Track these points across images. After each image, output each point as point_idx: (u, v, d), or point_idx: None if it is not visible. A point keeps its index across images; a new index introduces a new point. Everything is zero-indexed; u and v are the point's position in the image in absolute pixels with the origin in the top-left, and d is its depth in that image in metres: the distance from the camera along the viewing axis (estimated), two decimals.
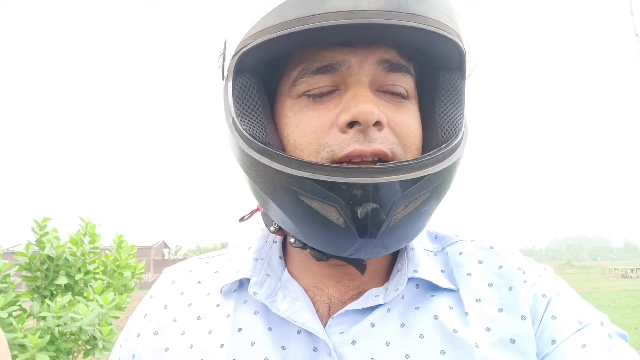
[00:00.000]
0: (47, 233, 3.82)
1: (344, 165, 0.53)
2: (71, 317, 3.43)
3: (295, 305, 0.60)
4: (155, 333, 0.64)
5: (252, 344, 0.59)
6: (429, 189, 0.54)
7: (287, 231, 0.62)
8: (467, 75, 0.62)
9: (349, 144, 0.54)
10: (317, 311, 0.61)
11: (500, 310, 0.59)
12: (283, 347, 0.58)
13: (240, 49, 0.56)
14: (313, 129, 0.56)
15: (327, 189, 0.51)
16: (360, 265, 0.60)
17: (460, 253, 0.66)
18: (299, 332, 0.59)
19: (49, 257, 3.76)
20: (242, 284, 0.65)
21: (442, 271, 0.65)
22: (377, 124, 0.54)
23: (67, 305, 3.53)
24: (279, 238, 0.69)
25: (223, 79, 0.64)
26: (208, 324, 0.62)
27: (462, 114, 0.60)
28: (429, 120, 0.60)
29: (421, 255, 0.64)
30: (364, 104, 0.53)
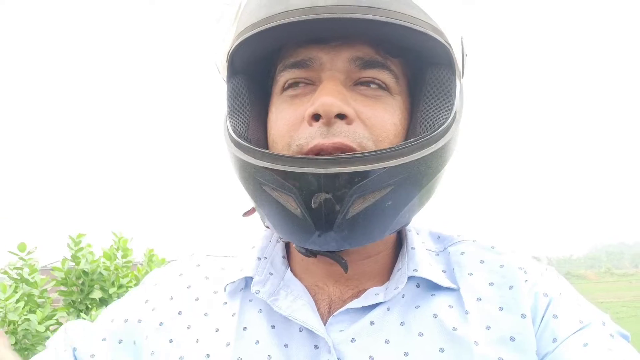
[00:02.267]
0: (82, 248, 3.92)
1: (301, 156, 0.54)
2: None
3: (297, 303, 0.61)
4: (161, 324, 0.65)
5: (257, 342, 0.60)
6: (390, 183, 0.53)
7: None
8: (460, 71, 0.62)
9: (314, 138, 0.55)
10: (318, 309, 0.61)
11: (501, 308, 0.59)
12: (286, 345, 0.59)
13: (228, 51, 0.60)
14: (286, 123, 0.58)
15: (282, 178, 0.53)
16: (341, 263, 0.60)
17: (462, 253, 0.66)
18: (300, 330, 0.60)
19: (84, 271, 3.86)
20: (248, 283, 0.66)
21: (444, 271, 0.65)
22: (343, 117, 0.54)
23: None
24: None
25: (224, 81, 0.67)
26: (214, 321, 0.64)
27: (448, 110, 0.59)
28: (413, 117, 0.61)
29: (422, 255, 0.64)
30: (325, 96, 0.54)
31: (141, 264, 4.28)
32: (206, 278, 0.70)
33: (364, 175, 0.52)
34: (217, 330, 0.62)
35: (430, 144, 0.56)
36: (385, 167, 0.53)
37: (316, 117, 0.55)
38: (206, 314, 0.65)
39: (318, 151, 0.55)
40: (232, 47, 0.59)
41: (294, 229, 0.56)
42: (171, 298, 0.68)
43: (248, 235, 0.75)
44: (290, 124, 0.58)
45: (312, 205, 0.52)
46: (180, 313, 0.66)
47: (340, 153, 0.54)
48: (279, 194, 0.54)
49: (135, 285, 4.07)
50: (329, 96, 0.54)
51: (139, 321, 0.66)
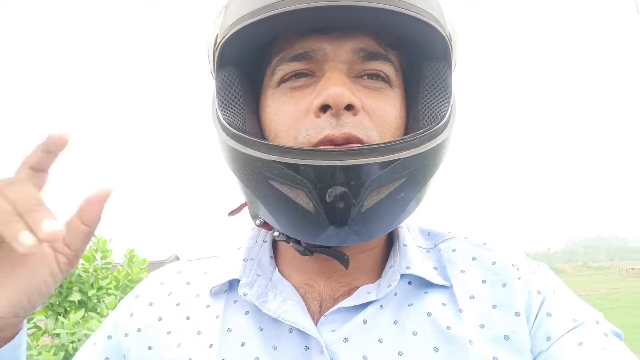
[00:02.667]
0: None
1: (312, 148, 0.53)
2: (85, 334, 3.43)
3: (286, 304, 0.59)
4: (139, 330, 0.63)
5: (242, 344, 0.58)
6: (403, 174, 0.53)
7: (268, 222, 0.62)
8: (453, 65, 0.62)
9: (323, 129, 0.54)
10: (308, 309, 0.60)
11: (494, 306, 0.58)
12: (274, 347, 0.57)
13: (220, 41, 0.57)
14: (290, 115, 0.56)
15: (294, 171, 0.51)
16: (343, 259, 0.59)
17: (454, 250, 0.65)
18: (290, 331, 0.58)
19: None
20: (232, 284, 0.64)
21: (435, 268, 0.64)
22: (351, 107, 0.54)
23: (80, 321, 3.53)
24: (269, 237, 0.69)
25: (211, 74, 0.65)
26: (197, 324, 0.62)
27: (447, 103, 0.59)
28: (412, 109, 0.60)
29: (414, 252, 0.63)
30: (334, 87, 0.53)
31: (121, 265, 4.22)
32: (187, 283, 0.68)
33: (380, 166, 0.51)
34: (199, 332, 0.61)
35: (437, 135, 0.56)
36: (399, 159, 0.52)
37: (324, 108, 0.54)
38: (188, 318, 0.63)
39: (328, 142, 0.54)
40: (227, 36, 0.56)
41: (305, 225, 0.54)
42: (150, 304, 0.66)
43: (233, 234, 0.74)
44: (295, 116, 0.56)
45: (327, 198, 0.51)
46: (160, 319, 0.64)
47: (350, 144, 0.54)
48: (288, 188, 0.52)
49: (115, 287, 4.03)
50: (338, 86, 0.53)
51: (126, 335, 0.64)
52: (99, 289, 3.89)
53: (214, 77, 0.61)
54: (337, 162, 0.50)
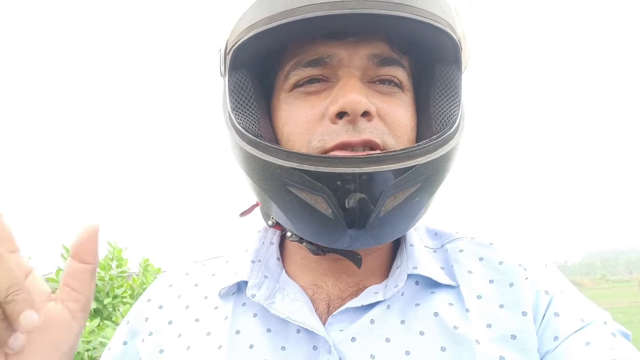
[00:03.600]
0: None
1: (331, 155, 0.53)
2: (100, 342, 3.46)
3: (294, 305, 0.60)
4: (150, 334, 0.64)
5: (251, 346, 0.58)
6: (419, 180, 0.53)
7: (281, 224, 0.63)
8: (463, 68, 0.62)
9: (339, 135, 0.54)
10: (316, 310, 0.60)
11: (501, 306, 0.58)
12: (283, 348, 0.58)
13: (234, 45, 0.58)
14: (304, 120, 0.57)
15: (314, 179, 0.52)
16: (356, 259, 0.60)
17: (461, 250, 0.65)
18: (298, 331, 0.59)
19: None
20: (240, 287, 0.64)
21: (442, 268, 0.64)
22: (366, 114, 0.54)
23: (96, 329, 3.56)
24: (275, 239, 0.69)
25: (221, 76, 0.65)
26: (206, 326, 0.62)
27: (457, 107, 0.60)
28: (424, 113, 0.61)
29: (421, 252, 0.64)
30: (351, 94, 0.54)
31: (136, 274, 4.25)
32: (196, 285, 0.69)
33: (399, 173, 0.52)
34: (208, 334, 0.61)
35: (450, 140, 0.57)
36: (416, 165, 0.53)
37: (340, 114, 0.54)
38: (197, 320, 0.63)
39: (344, 147, 0.54)
40: (242, 40, 0.56)
41: (323, 230, 0.55)
42: (160, 307, 0.67)
43: (243, 238, 0.75)
44: (309, 122, 0.57)
45: (346, 205, 0.51)
46: (170, 322, 0.64)
47: (367, 150, 0.54)
48: (307, 194, 0.53)
49: (130, 295, 4.06)
50: (355, 94, 0.54)
51: (143, 340, 0.65)
52: (114, 297, 3.92)
53: (226, 79, 0.61)
54: (357, 170, 0.51)
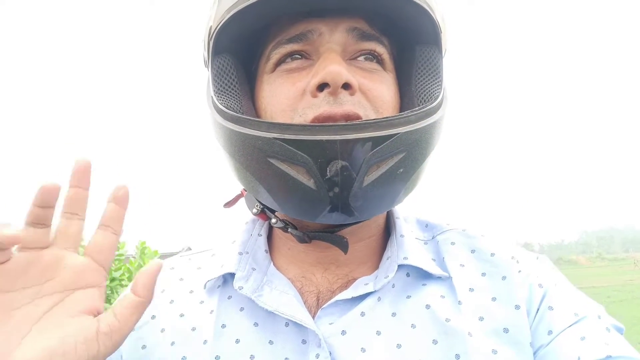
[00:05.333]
0: None
1: (312, 124, 0.53)
2: None
3: (283, 298, 0.59)
4: (133, 330, 0.63)
5: (237, 341, 0.57)
6: (401, 150, 0.53)
7: (264, 204, 0.62)
8: (443, 52, 0.62)
9: (319, 107, 0.54)
10: (305, 302, 0.60)
11: (494, 299, 0.58)
12: (270, 342, 0.57)
13: (215, 29, 0.57)
14: (286, 96, 0.56)
15: (295, 147, 0.51)
16: (342, 243, 0.59)
17: (452, 243, 0.65)
18: (286, 325, 0.57)
19: None
20: (226, 280, 0.63)
21: (433, 259, 0.63)
22: (348, 86, 0.54)
23: None
24: (264, 231, 0.68)
25: (205, 66, 0.65)
26: (191, 320, 0.61)
27: (439, 86, 0.60)
28: (406, 93, 0.61)
29: (411, 243, 0.63)
30: (331, 65, 0.53)
31: (134, 257, 4.27)
32: (181, 279, 0.67)
33: (380, 140, 0.51)
34: (193, 329, 0.60)
35: (432, 114, 0.57)
36: (398, 133, 0.52)
37: (321, 87, 0.54)
38: (182, 315, 0.62)
39: (325, 119, 0.54)
40: (223, 21, 0.56)
41: (305, 203, 0.54)
42: None
43: (232, 225, 0.73)
44: (292, 97, 0.56)
45: (328, 173, 0.51)
46: (153, 317, 0.63)
47: (350, 121, 0.54)
48: (288, 165, 0.53)
49: (128, 278, 4.08)
50: (335, 65, 0.54)
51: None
52: (112, 280, 3.94)
53: (209, 65, 0.61)
54: (338, 137, 0.50)
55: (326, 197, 0.52)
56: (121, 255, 4.11)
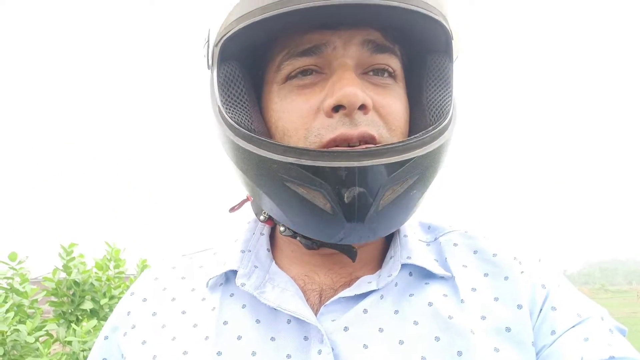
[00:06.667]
0: (73, 258, 3.86)
1: (329, 149, 0.53)
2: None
3: (285, 294, 0.59)
4: (133, 327, 0.63)
5: (239, 337, 0.57)
6: (416, 172, 0.53)
7: (276, 220, 0.62)
8: (454, 58, 0.62)
9: (336, 128, 0.54)
10: (307, 300, 0.60)
11: (496, 299, 0.58)
12: (272, 339, 0.57)
13: (223, 36, 0.57)
14: (299, 114, 0.56)
15: (312, 173, 0.51)
16: (351, 252, 0.59)
17: (455, 244, 0.65)
18: (288, 321, 0.58)
19: (75, 282, 3.81)
20: (229, 277, 0.64)
21: (436, 260, 0.64)
22: (363, 107, 0.54)
23: (92, 330, 3.54)
24: (266, 230, 0.69)
25: (208, 68, 0.64)
26: (193, 317, 0.61)
27: (450, 97, 0.60)
28: (416, 103, 0.61)
29: (414, 243, 0.63)
30: (348, 87, 0.53)
31: (134, 275, 4.23)
32: (182, 278, 0.68)
33: (397, 166, 0.52)
34: (195, 325, 0.60)
35: (445, 131, 0.57)
36: (414, 157, 0.53)
37: (336, 108, 0.54)
38: (183, 312, 0.62)
39: (342, 141, 0.54)
40: (232, 31, 0.55)
41: (322, 225, 0.55)
42: (144, 300, 0.66)
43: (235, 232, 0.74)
44: (305, 115, 0.56)
45: (345, 199, 0.51)
46: (154, 314, 0.63)
47: (365, 143, 0.54)
48: (305, 190, 0.52)
49: None
50: (352, 87, 0.53)
51: (125, 334, 0.64)
52: (111, 298, 3.89)
53: (214, 72, 0.60)
54: (356, 164, 0.50)
55: (342, 221, 0.53)
56: (122, 272, 4.07)
